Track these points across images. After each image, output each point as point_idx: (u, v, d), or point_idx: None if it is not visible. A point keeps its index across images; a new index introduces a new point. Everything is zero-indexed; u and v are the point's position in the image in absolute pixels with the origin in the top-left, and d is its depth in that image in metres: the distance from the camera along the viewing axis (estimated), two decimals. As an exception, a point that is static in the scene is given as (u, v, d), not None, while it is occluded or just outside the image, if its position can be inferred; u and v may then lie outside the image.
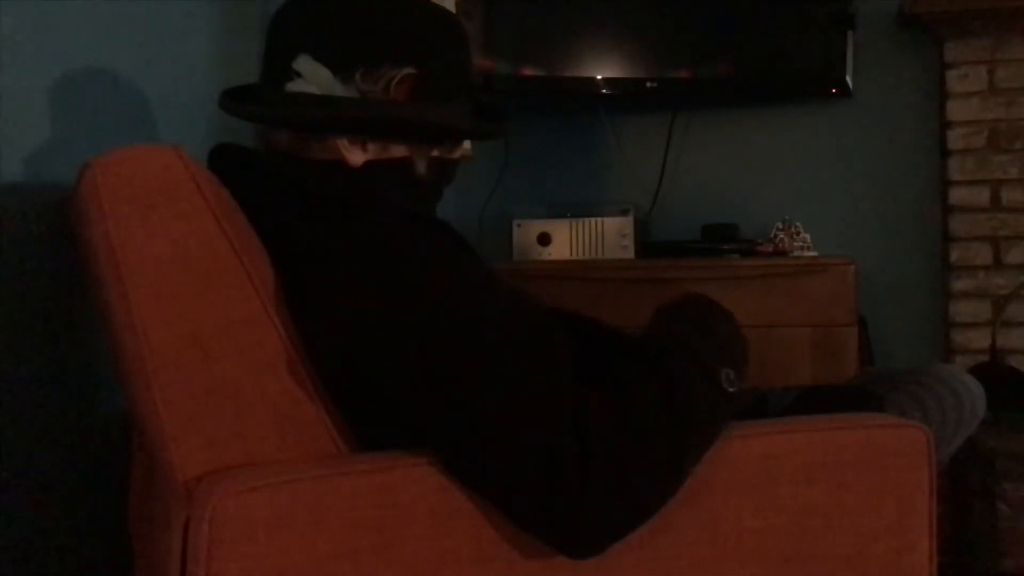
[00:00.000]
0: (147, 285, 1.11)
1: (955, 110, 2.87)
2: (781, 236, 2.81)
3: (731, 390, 1.19)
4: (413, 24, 1.33)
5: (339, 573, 1.08)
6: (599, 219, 2.83)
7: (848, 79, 2.93)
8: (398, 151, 1.32)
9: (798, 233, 2.81)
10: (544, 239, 2.81)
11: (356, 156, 1.30)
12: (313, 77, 1.29)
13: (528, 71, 2.98)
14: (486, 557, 1.12)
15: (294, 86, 1.30)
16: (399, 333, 1.14)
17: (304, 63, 1.29)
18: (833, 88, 2.95)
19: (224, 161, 1.30)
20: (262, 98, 1.35)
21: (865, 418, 1.30)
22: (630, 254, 2.83)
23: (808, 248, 2.80)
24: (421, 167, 1.34)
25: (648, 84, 2.96)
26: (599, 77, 2.98)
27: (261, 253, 1.21)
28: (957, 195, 2.87)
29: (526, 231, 2.82)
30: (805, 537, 1.20)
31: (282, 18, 1.35)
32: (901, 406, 1.52)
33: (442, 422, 1.12)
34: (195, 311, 1.12)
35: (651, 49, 2.99)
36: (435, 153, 1.35)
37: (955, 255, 2.87)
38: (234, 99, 1.38)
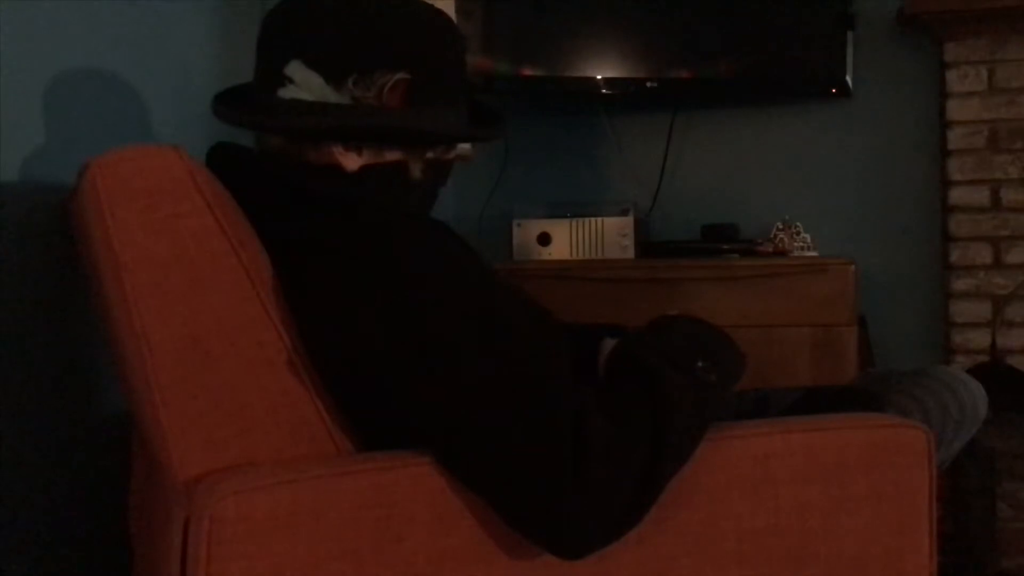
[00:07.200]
0: (147, 285, 1.11)
1: (955, 110, 2.86)
2: (781, 236, 2.81)
3: (711, 379, 1.17)
4: (407, 29, 1.32)
5: (339, 573, 1.08)
6: (599, 219, 2.83)
7: (848, 79, 2.93)
8: (393, 155, 1.32)
9: (798, 233, 2.81)
10: (544, 239, 2.81)
11: (351, 161, 1.30)
12: (305, 83, 1.28)
13: (528, 71, 2.98)
14: (486, 557, 1.12)
15: (286, 92, 1.28)
16: (398, 331, 1.14)
17: (296, 69, 1.28)
18: (833, 88, 2.94)
19: (222, 161, 1.30)
20: (255, 103, 1.33)
21: (865, 418, 1.30)
22: (630, 254, 2.83)
23: (808, 248, 2.80)
24: (416, 170, 1.34)
25: (648, 84, 2.96)
26: (599, 77, 2.98)
27: (261, 253, 1.21)
28: (957, 195, 2.87)
29: (526, 231, 2.82)
30: (805, 537, 1.20)
31: (274, 22, 1.33)
32: (901, 406, 1.52)
33: (441, 418, 1.12)
34: (195, 311, 1.12)
35: (651, 49, 2.99)
36: (430, 155, 1.35)
37: (955, 255, 2.87)
38: (227, 103, 1.37)
